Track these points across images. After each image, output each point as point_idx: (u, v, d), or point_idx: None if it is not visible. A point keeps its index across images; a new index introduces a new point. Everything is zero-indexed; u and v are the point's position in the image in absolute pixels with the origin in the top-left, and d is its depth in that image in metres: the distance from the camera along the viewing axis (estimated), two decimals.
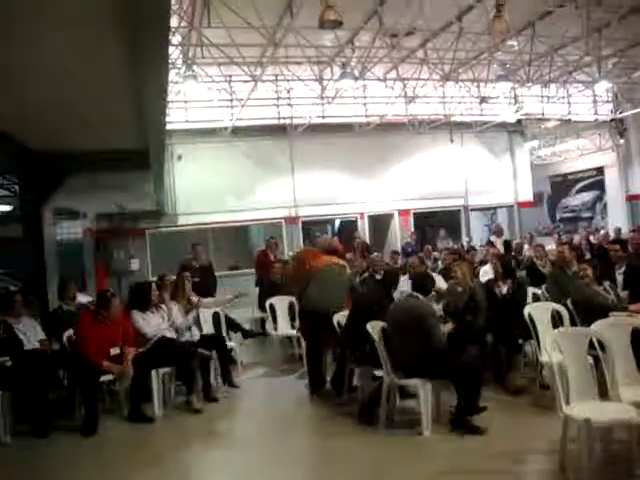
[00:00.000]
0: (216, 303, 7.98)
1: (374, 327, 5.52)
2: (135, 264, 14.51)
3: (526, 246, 11.94)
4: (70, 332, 6.37)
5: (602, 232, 14.42)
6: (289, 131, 15.69)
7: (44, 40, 4.22)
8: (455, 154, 17.63)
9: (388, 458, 4.86)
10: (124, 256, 14.50)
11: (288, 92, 14.56)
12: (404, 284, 7.11)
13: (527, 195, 18.77)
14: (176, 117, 14.10)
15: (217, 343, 7.19)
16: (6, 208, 15.57)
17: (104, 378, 6.10)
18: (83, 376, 5.92)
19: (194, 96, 13.91)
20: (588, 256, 10.89)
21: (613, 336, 4.41)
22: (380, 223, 17.39)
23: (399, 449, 5.03)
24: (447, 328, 5.69)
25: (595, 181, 20.39)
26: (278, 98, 14.66)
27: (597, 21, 10.75)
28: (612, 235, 13.92)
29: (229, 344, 8.01)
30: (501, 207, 19.04)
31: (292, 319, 8.44)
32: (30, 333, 6.40)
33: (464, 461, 4.65)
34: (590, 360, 4.55)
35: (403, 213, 17.31)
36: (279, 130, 15.68)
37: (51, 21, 3.93)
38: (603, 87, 14.63)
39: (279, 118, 15.14)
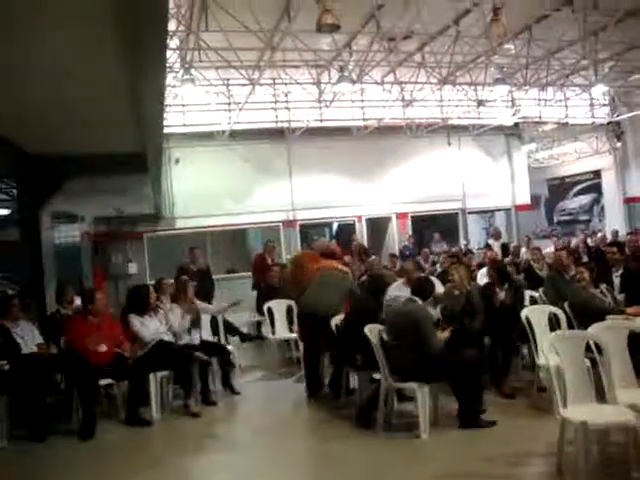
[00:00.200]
0: (214, 311, 7.96)
1: (372, 331, 5.53)
2: (133, 268, 14.52)
3: (523, 249, 11.96)
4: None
5: (599, 235, 14.44)
6: (287, 134, 15.72)
7: (41, 41, 4.22)
8: (453, 157, 17.67)
9: (386, 461, 4.86)
10: (122, 260, 14.52)
11: (286, 96, 14.59)
12: (397, 288, 7.12)
13: (525, 198, 18.81)
14: (174, 121, 14.12)
15: (218, 350, 7.18)
16: (4, 212, 15.54)
17: (102, 382, 6.10)
18: (80, 379, 5.91)
19: (192, 100, 13.92)
20: (585, 259, 10.91)
21: (610, 339, 4.42)
22: (378, 226, 17.40)
23: (397, 452, 5.03)
24: (444, 335, 5.69)
25: (592, 184, 20.43)
26: (276, 102, 14.69)
27: (594, 25, 10.78)
28: (609, 238, 13.94)
29: (227, 347, 8.02)
30: (499, 210, 19.07)
31: (290, 323, 8.44)
32: (28, 337, 6.37)
33: (461, 464, 4.66)
34: (587, 363, 4.56)
35: (401, 216, 17.34)
36: (277, 134, 15.71)
37: (49, 22, 3.94)
38: (600, 90, 14.67)
39: (277, 122, 15.17)
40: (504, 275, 6.93)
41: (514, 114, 16.64)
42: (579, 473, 3.96)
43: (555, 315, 6.09)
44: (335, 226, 19.11)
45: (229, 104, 13.95)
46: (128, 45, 4.33)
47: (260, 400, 7.09)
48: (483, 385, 5.57)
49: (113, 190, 11.31)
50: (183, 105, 14.23)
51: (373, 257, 10.43)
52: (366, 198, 16.74)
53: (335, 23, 8.45)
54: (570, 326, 5.90)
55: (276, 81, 13.86)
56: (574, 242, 14.39)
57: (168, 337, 6.72)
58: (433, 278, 7.29)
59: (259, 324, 10.09)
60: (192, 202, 14.81)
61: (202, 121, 14.64)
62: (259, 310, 9.45)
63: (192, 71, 11.20)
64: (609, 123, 18.37)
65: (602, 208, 20.15)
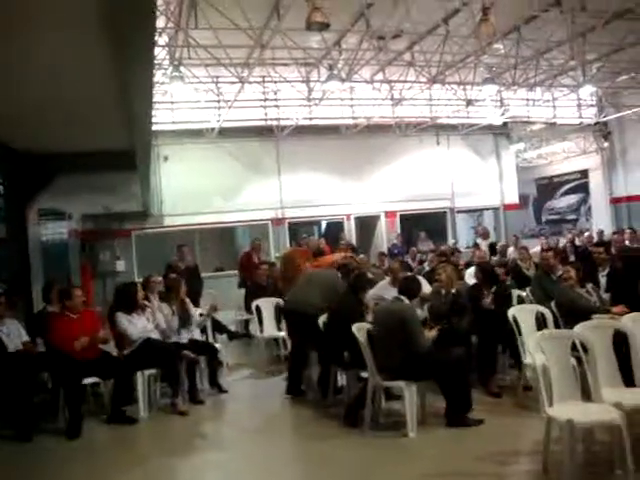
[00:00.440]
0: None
1: (360, 329, 5.54)
2: (121, 265, 14.45)
3: (511, 248, 12.02)
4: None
5: (586, 234, 14.55)
6: (276, 133, 15.70)
7: (30, 40, 4.19)
8: (441, 156, 17.71)
9: (373, 460, 4.88)
10: (110, 257, 14.43)
11: (275, 94, 14.56)
12: (383, 288, 7.13)
13: (513, 197, 18.89)
14: (163, 118, 14.05)
15: (206, 349, 7.17)
16: None
17: (88, 381, 6.08)
18: (66, 378, 5.89)
19: (181, 97, 13.86)
20: (572, 259, 10.98)
21: (595, 338, 4.46)
22: (367, 225, 17.42)
23: (384, 451, 5.05)
24: (432, 334, 5.71)
25: (580, 184, 20.59)
26: (265, 100, 14.66)
27: (582, 26, 10.84)
28: (595, 238, 14.05)
29: (215, 346, 8.00)
30: (487, 209, 19.14)
31: (278, 321, 8.44)
32: (13, 335, 6.34)
33: (449, 462, 4.68)
34: (573, 362, 4.59)
35: (389, 215, 17.36)
36: (266, 131, 15.68)
37: (37, 21, 3.91)
38: (587, 91, 14.77)
39: (266, 119, 15.13)
40: (492, 277, 6.94)
41: (503, 114, 16.70)
42: (564, 471, 3.99)
43: (542, 314, 6.13)
44: (324, 224, 19.13)
45: (218, 102, 13.90)
46: (116, 42, 4.31)
47: (248, 398, 7.08)
48: (470, 384, 5.61)
49: (101, 187, 11.28)
50: (172, 102, 14.16)
51: (362, 256, 10.45)
52: (355, 196, 16.75)
53: (325, 21, 8.44)
54: (557, 325, 5.94)
55: (265, 79, 13.83)
56: (562, 242, 14.48)
57: (156, 335, 6.70)
58: (420, 277, 7.31)
59: (247, 322, 10.09)
60: (181, 200, 14.75)
61: (191, 118, 14.58)
62: (247, 308, 9.44)
63: (181, 68, 11.15)
64: (596, 123, 18.50)
65: (589, 208, 20.31)
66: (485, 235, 14.29)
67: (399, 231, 16.97)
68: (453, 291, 6.76)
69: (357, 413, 5.56)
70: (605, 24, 10.50)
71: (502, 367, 6.70)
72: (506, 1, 9.97)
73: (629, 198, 18.87)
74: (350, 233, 16.50)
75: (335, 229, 17.19)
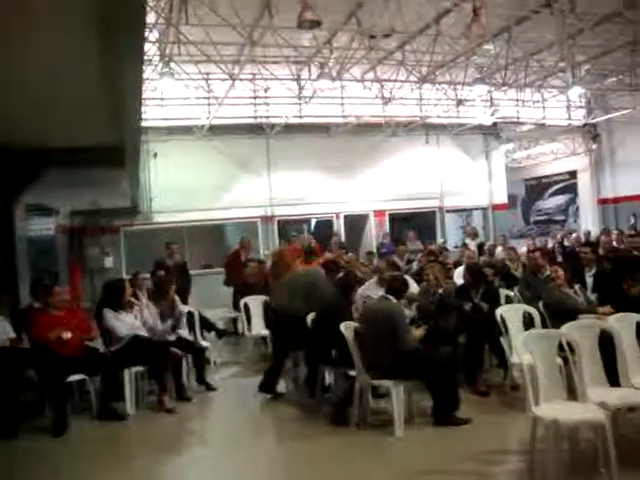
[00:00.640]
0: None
1: (347, 328, 5.55)
2: (109, 262, 14.39)
3: (499, 248, 12.08)
4: None
5: (574, 235, 14.65)
6: (266, 130, 15.67)
7: (12, 31, 4.15)
8: (431, 156, 17.76)
9: (360, 458, 4.89)
10: (98, 254, 14.37)
11: (265, 91, 14.52)
12: (370, 287, 7.14)
13: (502, 197, 18.98)
14: (152, 114, 13.98)
15: (191, 348, 7.15)
16: None
17: (73, 378, 6.04)
18: (49, 375, 5.86)
19: (171, 93, 13.79)
20: (560, 259, 11.05)
21: (582, 338, 4.49)
22: (356, 223, 17.44)
23: (371, 449, 5.06)
24: (419, 333, 5.73)
25: (568, 185, 20.73)
26: (255, 97, 14.62)
27: (571, 27, 10.91)
28: (583, 238, 14.15)
29: (203, 343, 7.99)
30: (476, 209, 19.22)
31: (266, 319, 8.43)
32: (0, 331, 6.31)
33: (435, 461, 4.70)
34: (559, 361, 4.63)
35: (379, 214, 17.39)
36: (256, 129, 15.64)
37: (20, 14, 3.87)
38: (577, 93, 14.87)
39: (256, 117, 15.10)
40: (480, 278, 6.95)
41: (492, 114, 16.76)
42: (549, 469, 4.02)
43: (529, 314, 6.17)
44: (313, 223, 19.12)
45: (208, 99, 13.85)
46: (105, 36, 4.28)
47: (235, 396, 7.07)
48: (458, 383, 5.63)
49: (90, 183, 11.18)
50: (162, 99, 14.08)
51: (350, 254, 10.46)
52: (344, 195, 16.76)
53: (316, 19, 8.44)
54: (544, 325, 5.98)
55: (256, 76, 13.79)
56: (550, 243, 14.57)
57: (143, 332, 6.68)
58: (407, 277, 7.32)
59: (235, 320, 10.08)
60: (170, 196, 14.67)
61: (181, 115, 14.51)
62: (235, 306, 9.43)
63: (171, 65, 11.10)
64: (585, 125, 18.63)
65: (577, 209, 20.45)
66: (474, 235, 14.34)
67: (388, 230, 16.99)
68: (440, 291, 6.78)
69: (345, 411, 5.58)
70: (594, 26, 10.58)
71: (489, 366, 6.74)
72: (497, 2, 10.01)
73: (616, 199, 19.03)
74: (339, 232, 16.50)
75: (324, 227, 17.20)
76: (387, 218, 17.51)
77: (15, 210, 9.01)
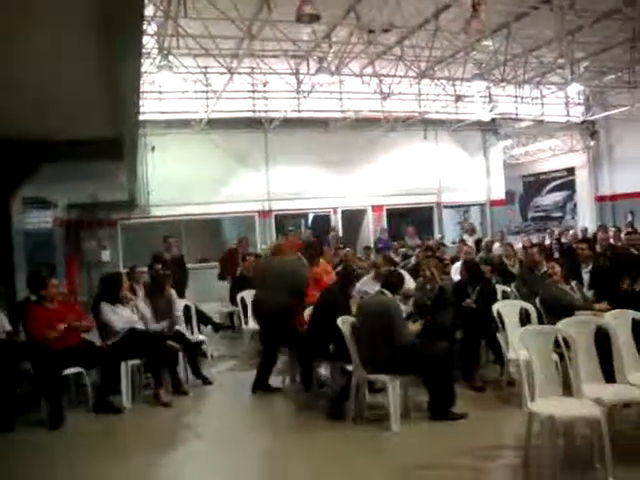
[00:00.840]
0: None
1: (344, 322, 5.55)
2: (106, 255, 14.38)
3: (497, 244, 12.09)
4: None
5: (571, 232, 14.66)
6: (264, 124, 15.65)
7: (11, 22, 4.13)
8: (429, 151, 17.76)
9: (357, 453, 4.90)
10: (95, 247, 14.35)
11: (264, 85, 14.50)
12: (366, 283, 7.14)
13: (499, 193, 18.99)
14: (150, 107, 13.94)
15: (184, 341, 7.14)
16: None
17: (69, 371, 6.04)
18: (44, 368, 5.85)
19: (169, 87, 13.75)
20: (557, 255, 11.05)
21: (578, 334, 4.50)
22: (353, 218, 17.44)
23: (367, 444, 5.07)
24: (415, 328, 5.74)
25: (566, 181, 20.74)
26: (254, 91, 14.59)
27: (571, 24, 10.90)
28: (580, 235, 14.15)
29: (200, 337, 8.00)
30: (474, 205, 19.23)
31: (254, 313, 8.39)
32: None
33: (431, 456, 4.71)
34: (555, 357, 4.64)
35: (376, 209, 17.39)
36: (254, 123, 15.62)
37: (20, 10, 3.86)
38: (575, 89, 14.84)
39: (254, 111, 15.07)
40: (477, 275, 6.96)
41: (491, 110, 16.75)
42: (545, 465, 4.03)
43: (526, 310, 6.18)
44: (311, 217, 19.12)
45: (207, 92, 13.82)
46: (103, 29, 4.26)
47: (232, 390, 7.07)
48: (454, 378, 5.64)
49: (87, 177, 11.15)
50: (160, 92, 14.05)
51: (347, 249, 10.47)
52: (342, 190, 16.75)
53: (315, 13, 8.42)
54: (540, 321, 5.99)
55: (254, 70, 13.76)
56: (548, 240, 14.57)
57: (140, 326, 6.68)
58: (404, 272, 7.33)
59: (231, 314, 10.09)
60: (167, 190, 14.65)
61: (179, 109, 14.49)
62: (232, 300, 9.44)
63: (170, 58, 11.07)
64: (583, 122, 18.63)
65: (575, 205, 20.47)
66: (471, 231, 14.36)
67: (386, 225, 17.01)
68: (438, 286, 6.79)
69: (341, 406, 5.59)
70: (593, 23, 10.58)
71: (485, 362, 6.75)
72: None
73: (613, 196, 19.05)
74: (337, 227, 16.51)
75: (322, 222, 17.19)
76: (385, 213, 17.51)
77: (12, 203, 8.98)
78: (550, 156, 20.71)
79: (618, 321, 4.87)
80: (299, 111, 15.06)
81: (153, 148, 14.82)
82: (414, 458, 4.69)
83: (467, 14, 9.59)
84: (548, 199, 21.50)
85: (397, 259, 10.44)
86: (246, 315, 8.54)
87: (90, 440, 5.49)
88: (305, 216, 18.38)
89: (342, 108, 15.69)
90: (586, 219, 19.01)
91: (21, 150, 8.11)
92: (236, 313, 9.45)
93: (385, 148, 17.19)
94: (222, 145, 15.38)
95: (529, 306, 6.19)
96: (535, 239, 14.00)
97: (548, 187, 21.44)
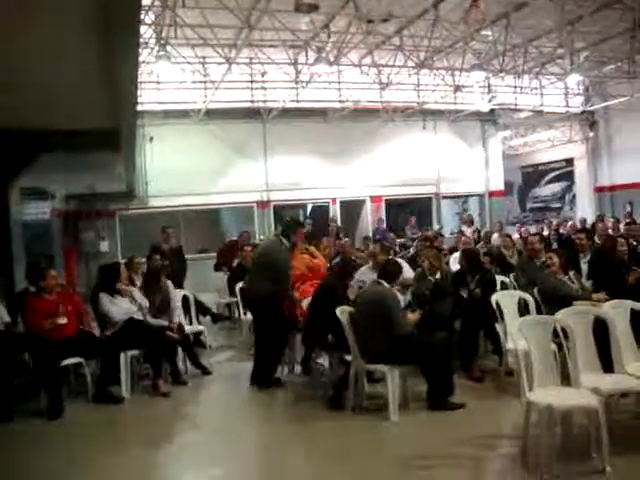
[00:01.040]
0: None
1: (343, 312, 5.56)
2: (105, 246, 14.37)
3: (495, 235, 12.09)
4: None
5: (570, 223, 14.68)
6: (263, 115, 15.61)
7: (9, 12, 4.10)
8: (428, 142, 17.73)
9: (355, 442, 4.92)
10: (94, 238, 14.33)
11: (262, 75, 14.44)
12: (365, 273, 7.14)
13: (498, 184, 18.98)
14: (148, 98, 13.89)
15: (180, 330, 7.13)
16: None
17: (69, 362, 6.05)
18: (43, 359, 5.86)
19: (167, 77, 13.70)
20: (555, 246, 11.06)
21: (576, 324, 4.51)
22: (352, 209, 17.44)
23: (366, 433, 5.09)
24: (414, 317, 5.75)
25: (565, 172, 20.73)
26: (252, 81, 14.54)
27: (570, 14, 10.86)
28: (579, 226, 14.17)
29: (199, 327, 8.01)
30: (472, 195, 19.22)
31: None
32: None
33: (429, 445, 4.73)
34: (554, 347, 4.65)
35: (375, 199, 17.38)
36: (253, 114, 15.58)
37: (20, 2, 3.83)
38: (575, 80, 14.82)
39: (253, 101, 15.03)
40: (476, 265, 6.97)
41: (490, 100, 16.71)
42: (542, 454, 4.05)
43: (524, 300, 6.19)
44: (309, 208, 19.12)
45: (205, 82, 13.76)
46: (100, 18, 4.23)
47: (230, 380, 7.08)
48: (453, 368, 5.66)
49: (85, 167, 11.13)
50: (158, 82, 14.00)
51: (346, 239, 10.48)
52: (341, 180, 16.74)
53: (313, 3, 8.40)
54: (538, 311, 6.00)
55: (253, 60, 13.71)
56: (546, 230, 14.59)
57: (139, 317, 6.69)
58: (402, 261, 7.33)
59: (229, 305, 10.10)
60: (166, 181, 14.62)
61: (177, 99, 14.44)
62: (231, 291, 9.44)
63: (167, 48, 11.02)
64: (583, 112, 18.59)
65: (574, 196, 20.47)
66: (470, 222, 14.37)
67: (384, 216, 17.02)
68: (437, 276, 6.79)
69: (340, 396, 5.60)
70: (593, 13, 10.53)
71: (484, 352, 6.76)
72: None
73: (612, 187, 19.05)
74: (335, 217, 16.52)
75: (320, 213, 17.18)
76: (383, 204, 17.50)
77: (10, 194, 8.97)
78: (549, 147, 20.70)
79: (616, 311, 4.88)
80: (297, 101, 15.02)
81: (151, 139, 14.79)
82: (413, 448, 4.71)
83: (466, 4, 9.56)
84: (547, 190, 21.50)
85: (396, 249, 10.45)
86: (245, 306, 8.54)
87: (89, 430, 5.51)
88: (304, 207, 18.37)
89: (341, 98, 15.65)
90: (585, 210, 19.01)
91: (19, 140, 8.08)
92: (234, 304, 9.45)
93: (384, 138, 17.15)
94: (220, 135, 15.34)
95: (528, 296, 6.20)
96: (533, 230, 14.00)
97: (547, 178, 21.43)
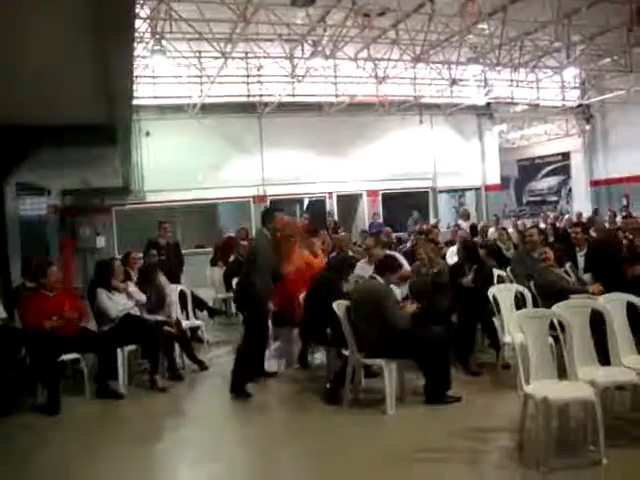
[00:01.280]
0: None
1: (339, 307, 5.56)
2: (101, 241, 14.33)
3: (492, 229, 12.11)
4: None
5: (566, 216, 14.71)
6: (258, 109, 15.57)
7: (5, 8, 4.08)
8: (424, 136, 17.71)
9: (352, 436, 4.92)
10: (90, 233, 14.30)
11: (258, 70, 14.41)
12: (361, 267, 7.13)
13: (495, 178, 18.98)
14: (144, 92, 13.85)
15: (177, 326, 7.12)
16: None
17: (66, 357, 6.04)
18: (42, 355, 5.84)
19: (162, 71, 13.65)
20: (552, 239, 11.07)
21: (573, 318, 4.51)
22: (348, 203, 17.43)
23: (363, 427, 5.09)
24: (411, 309, 5.75)
25: (561, 166, 20.75)
26: (248, 75, 14.51)
27: (567, 7, 10.85)
28: (575, 220, 14.19)
29: (196, 322, 8.01)
30: (469, 189, 19.22)
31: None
32: None
33: (426, 439, 4.74)
34: (551, 341, 4.66)
35: (371, 193, 17.38)
36: (248, 108, 15.55)
37: None
38: (571, 73, 14.84)
39: (249, 96, 14.99)
40: (474, 255, 6.99)
41: (486, 94, 16.70)
42: (539, 447, 4.06)
43: (521, 294, 6.20)
44: (306, 202, 19.09)
45: (200, 77, 13.73)
46: (95, 12, 4.21)
47: (227, 375, 7.06)
48: (450, 362, 5.66)
49: (81, 162, 11.13)
50: (153, 77, 13.96)
51: (343, 233, 10.47)
52: (337, 175, 16.71)
53: None
54: (535, 304, 6.01)
55: (248, 55, 13.67)
56: (542, 224, 14.61)
57: (135, 311, 6.68)
58: (399, 255, 7.33)
59: (225, 300, 10.10)
60: (162, 176, 14.58)
61: (173, 93, 14.40)
62: (227, 286, 9.44)
63: (163, 42, 10.97)
64: (579, 106, 18.59)
65: (570, 190, 20.49)
66: (466, 217, 14.38)
67: (381, 210, 17.02)
68: (435, 270, 6.79)
69: (337, 390, 5.60)
70: (589, 6, 10.52)
71: (482, 346, 6.77)
72: None
73: (608, 181, 19.07)
74: (332, 211, 16.51)
75: (316, 207, 17.16)
76: (380, 198, 17.50)
77: (6, 189, 8.94)
78: (545, 140, 20.72)
79: (613, 304, 4.89)
80: (294, 95, 15.00)
81: (147, 133, 14.75)
82: (410, 441, 4.71)
83: None
84: (543, 183, 21.52)
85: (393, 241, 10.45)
86: (234, 301, 8.53)
87: (87, 425, 5.52)
88: (300, 201, 18.35)
89: (337, 92, 15.62)
90: (581, 203, 19.04)
91: (15, 135, 8.06)
92: (230, 299, 9.46)
93: (380, 133, 17.13)
94: (216, 130, 15.31)
95: (524, 290, 6.21)
96: (529, 223, 14.02)
97: (543, 171, 21.44)
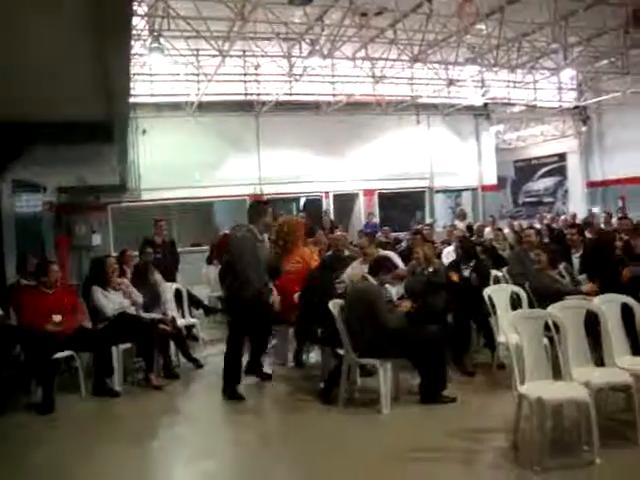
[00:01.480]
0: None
1: (334, 306, 5.56)
2: (97, 239, 14.30)
3: (488, 229, 12.12)
4: None
5: (562, 217, 14.73)
6: (256, 108, 15.56)
7: (6, 10, 4.07)
8: (421, 136, 17.73)
9: (347, 436, 4.92)
10: (85, 231, 14.27)
11: (256, 68, 14.39)
12: (356, 267, 7.13)
13: (491, 179, 19.01)
14: (141, 90, 13.82)
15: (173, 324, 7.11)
16: None
17: (60, 355, 6.03)
18: (37, 353, 5.83)
19: (160, 69, 13.62)
20: (547, 240, 11.08)
21: (567, 319, 4.53)
22: (345, 203, 17.43)
23: (358, 427, 5.10)
24: (405, 306, 5.75)
25: (557, 167, 20.79)
26: (245, 74, 14.48)
27: (564, 9, 10.87)
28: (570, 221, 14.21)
29: (191, 320, 8.00)
30: (465, 190, 19.24)
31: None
32: None
33: (421, 438, 4.74)
34: (545, 341, 4.67)
35: (368, 193, 17.38)
36: (246, 107, 15.54)
37: None
38: (568, 75, 14.86)
39: (246, 94, 14.97)
40: (471, 253, 7.00)
41: (483, 94, 16.73)
42: (533, 447, 4.07)
43: (517, 294, 6.21)
44: (302, 201, 19.09)
45: (198, 75, 13.70)
46: (92, 9, 4.20)
47: (222, 374, 7.08)
48: (445, 362, 5.67)
49: (77, 159, 11.07)
50: (151, 74, 13.92)
51: (338, 232, 10.45)
52: (334, 174, 16.72)
53: None
54: (531, 305, 6.02)
55: (246, 53, 13.65)
56: (537, 225, 14.63)
57: (130, 310, 6.67)
58: (394, 254, 7.33)
59: (220, 298, 10.08)
60: (158, 174, 14.56)
61: (170, 91, 14.37)
62: (222, 284, 9.41)
63: (160, 40, 10.95)
64: (576, 107, 18.63)
65: (566, 191, 20.54)
66: (463, 217, 14.40)
67: (377, 209, 17.02)
68: (430, 269, 6.80)
69: (332, 389, 5.61)
70: (587, 8, 10.55)
71: (477, 346, 6.79)
72: None
73: (604, 182, 19.11)
74: (329, 210, 16.51)
75: (313, 206, 17.16)
76: (376, 198, 17.51)
77: (1, 186, 8.91)
78: (542, 141, 20.76)
79: (608, 305, 4.90)
80: (291, 94, 14.99)
81: (144, 131, 14.72)
82: (404, 441, 4.72)
83: None
84: (540, 184, 21.56)
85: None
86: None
87: (81, 424, 5.51)
88: (297, 200, 18.35)
89: (334, 92, 15.61)
90: (577, 205, 19.08)
91: (10, 132, 8.03)
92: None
93: (377, 132, 17.15)
94: (214, 128, 15.29)
95: (520, 290, 6.22)
96: (525, 224, 14.05)
97: (540, 172, 21.48)
